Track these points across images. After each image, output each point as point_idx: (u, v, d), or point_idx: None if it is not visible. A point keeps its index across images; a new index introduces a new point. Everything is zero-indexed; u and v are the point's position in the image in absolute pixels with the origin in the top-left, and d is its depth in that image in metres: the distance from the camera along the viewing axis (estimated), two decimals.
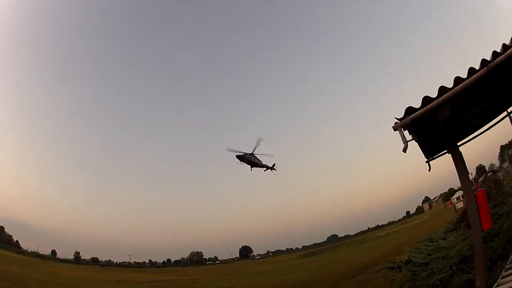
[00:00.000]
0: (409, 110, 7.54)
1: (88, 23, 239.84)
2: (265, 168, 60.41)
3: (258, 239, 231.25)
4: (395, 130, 7.72)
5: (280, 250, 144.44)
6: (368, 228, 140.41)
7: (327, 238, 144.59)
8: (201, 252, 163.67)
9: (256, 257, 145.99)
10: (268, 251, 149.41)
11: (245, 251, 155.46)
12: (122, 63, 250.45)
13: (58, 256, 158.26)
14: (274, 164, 62.06)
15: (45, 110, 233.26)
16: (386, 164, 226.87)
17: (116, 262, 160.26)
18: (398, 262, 21.24)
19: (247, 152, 58.29)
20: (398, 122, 7.63)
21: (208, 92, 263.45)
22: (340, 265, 41.07)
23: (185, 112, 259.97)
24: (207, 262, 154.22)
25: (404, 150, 7.88)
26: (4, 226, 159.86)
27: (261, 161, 59.29)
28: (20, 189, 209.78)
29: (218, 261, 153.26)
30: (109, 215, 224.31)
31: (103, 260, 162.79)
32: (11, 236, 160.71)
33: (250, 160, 57.31)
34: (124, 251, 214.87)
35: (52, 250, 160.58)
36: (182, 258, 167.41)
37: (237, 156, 56.67)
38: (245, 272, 66.53)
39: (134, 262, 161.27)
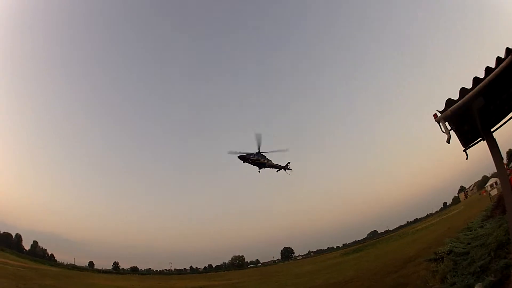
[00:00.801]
0: (449, 102, 8.10)
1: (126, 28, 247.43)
2: (277, 169, 58.43)
3: (299, 240, 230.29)
4: (438, 122, 8.36)
5: (321, 249, 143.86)
6: (407, 222, 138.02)
7: (367, 234, 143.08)
8: (242, 256, 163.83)
9: (298, 258, 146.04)
10: (309, 251, 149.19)
11: (287, 252, 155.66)
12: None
13: (96, 267, 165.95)
14: (288, 163, 59.66)
15: (83, 127, 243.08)
16: (421, 157, 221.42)
17: (156, 270, 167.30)
18: (440, 253, 21.53)
19: (252, 152, 55.57)
20: (439, 114, 8.28)
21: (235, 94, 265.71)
22: (382, 260, 40.69)
23: (216, 116, 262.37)
24: (249, 266, 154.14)
25: (448, 141, 8.53)
26: (38, 241, 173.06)
27: (270, 160, 56.78)
28: (54, 204, 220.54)
29: (260, 264, 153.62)
30: (148, 224, 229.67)
31: (143, 269, 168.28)
32: (45, 249, 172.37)
33: (255, 160, 55.02)
34: (164, 259, 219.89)
35: (89, 262, 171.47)
36: (223, 263, 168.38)
37: (240, 157, 54.69)
38: (289, 273, 65.78)
39: (174, 269, 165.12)
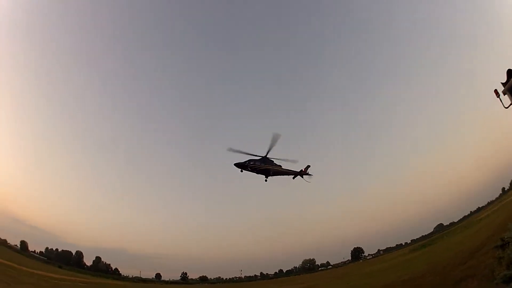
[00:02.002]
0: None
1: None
2: (292, 175, 53.32)
3: (368, 239, 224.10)
4: (504, 94, 8.60)
5: (390, 247, 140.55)
6: (470, 211, 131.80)
7: (434, 228, 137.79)
8: (313, 259, 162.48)
9: (368, 257, 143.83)
10: (378, 250, 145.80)
11: (357, 253, 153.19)
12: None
13: (163, 278, 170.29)
14: (307, 167, 54.40)
15: (139, 139, 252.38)
16: (473, 144, 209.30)
17: (226, 278, 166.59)
18: (505, 239, 21.38)
19: (254, 158, 50.77)
20: (503, 87, 8.44)
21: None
22: (450, 253, 40.50)
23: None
24: (320, 268, 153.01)
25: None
26: (100, 256, 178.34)
27: (280, 166, 51.94)
28: (117, 220, 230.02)
29: (331, 266, 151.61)
30: (215, 234, 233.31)
31: (212, 278, 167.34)
32: (109, 264, 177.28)
33: (257, 167, 50.40)
34: (234, 267, 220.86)
35: (156, 274, 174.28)
36: (294, 267, 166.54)
37: (237, 165, 50.33)
38: (359, 273, 65.77)
39: (245, 276, 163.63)
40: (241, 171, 50.64)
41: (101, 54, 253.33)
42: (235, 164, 50.39)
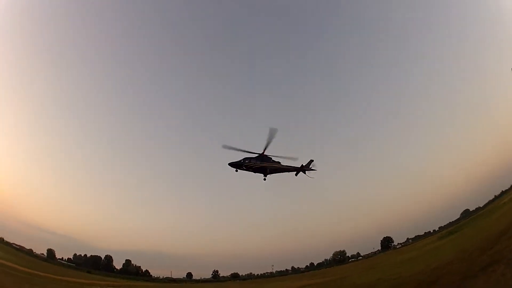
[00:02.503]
0: None
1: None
2: (294, 172, 50.74)
3: (397, 227, 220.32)
4: None
5: (419, 235, 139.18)
6: (494, 196, 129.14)
7: (460, 214, 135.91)
8: (343, 251, 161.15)
9: (397, 247, 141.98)
10: (407, 238, 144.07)
11: (386, 242, 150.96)
12: None
13: (194, 277, 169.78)
14: (310, 162, 51.79)
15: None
16: (495, 127, 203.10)
17: (257, 274, 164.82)
18: None
19: (249, 156, 49.05)
20: None
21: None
22: (477, 239, 40.89)
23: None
24: (350, 260, 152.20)
25: None
26: (130, 259, 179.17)
27: (278, 162, 49.89)
28: (145, 222, 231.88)
29: (361, 257, 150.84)
30: (245, 230, 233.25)
31: (244, 274, 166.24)
32: (139, 266, 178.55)
33: (253, 166, 48.73)
34: (265, 262, 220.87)
35: (187, 273, 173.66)
36: (325, 259, 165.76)
37: (231, 164, 49.03)
38: (389, 263, 65.76)
39: (276, 271, 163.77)
40: (236, 170, 49.16)
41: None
42: (229, 164, 49.18)
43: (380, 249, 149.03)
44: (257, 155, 49.11)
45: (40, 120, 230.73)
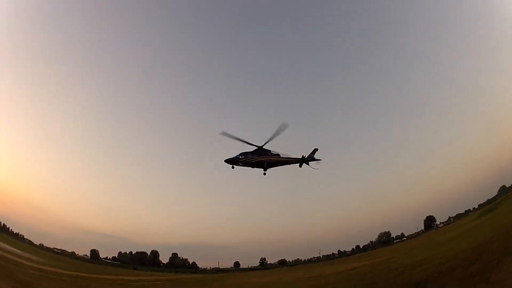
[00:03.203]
0: None
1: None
2: (299, 164, 47.99)
3: (438, 206, 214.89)
4: None
5: (459, 213, 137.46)
6: None
7: (497, 191, 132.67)
8: (388, 232, 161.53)
9: (439, 226, 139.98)
10: (449, 217, 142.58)
11: (429, 222, 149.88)
12: None
13: (242, 266, 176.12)
14: (314, 151, 48.13)
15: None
16: None
17: (305, 260, 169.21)
18: None
19: (247, 151, 47.10)
20: None
21: None
22: None
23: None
24: (395, 241, 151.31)
25: None
26: (177, 252, 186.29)
27: (278, 155, 47.64)
28: (191, 215, 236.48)
29: (405, 238, 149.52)
30: (290, 215, 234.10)
31: (291, 260, 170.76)
32: (186, 259, 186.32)
33: (248, 161, 46.92)
34: (312, 247, 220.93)
35: (234, 262, 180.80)
36: (370, 241, 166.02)
37: (227, 161, 47.58)
38: (433, 243, 65.88)
39: (323, 255, 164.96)
40: (232, 167, 47.88)
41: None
42: (225, 161, 47.81)
43: (423, 228, 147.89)
44: (255, 148, 47.49)
45: (76, 123, 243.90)
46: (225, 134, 45.47)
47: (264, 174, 47.27)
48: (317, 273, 61.80)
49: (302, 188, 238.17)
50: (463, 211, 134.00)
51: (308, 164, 48.21)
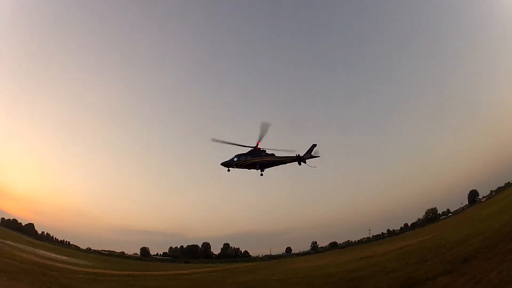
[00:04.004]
0: None
1: None
2: (297, 162, 45.53)
3: (480, 180, 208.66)
4: None
5: (500, 187, 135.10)
6: None
7: None
8: (435, 208, 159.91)
9: (482, 200, 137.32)
10: (491, 191, 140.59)
11: (472, 196, 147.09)
12: None
13: (294, 251, 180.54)
14: (312, 148, 44.99)
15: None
16: None
17: (355, 241, 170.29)
18: None
19: (241, 153, 46.38)
20: None
21: None
22: None
23: None
24: (441, 217, 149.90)
25: None
26: (228, 243, 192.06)
27: (273, 154, 46.04)
28: (241, 205, 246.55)
29: (451, 213, 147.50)
30: (339, 198, 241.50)
31: (342, 243, 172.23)
32: (238, 248, 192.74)
33: (243, 163, 46.05)
34: (361, 228, 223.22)
35: (286, 248, 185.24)
36: (418, 219, 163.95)
37: (223, 164, 47.00)
38: (477, 218, 65.83)
39: (372, 236, 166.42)
40: (228, 170, 46.91)
41: None
42: (221, 164, 47.10)
43: (467, 203, 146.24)
44: (249, 149, 46.06)
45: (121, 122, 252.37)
46: (215, 140, 44.60)
47: (261, 175, 46.16)
48: (368, 254, 61.21)
49: (349, 169, 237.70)
50: (503, 184, 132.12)
51: (305, 163, 45.05)
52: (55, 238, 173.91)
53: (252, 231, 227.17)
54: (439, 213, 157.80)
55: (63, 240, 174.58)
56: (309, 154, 44.35)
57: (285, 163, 45.81)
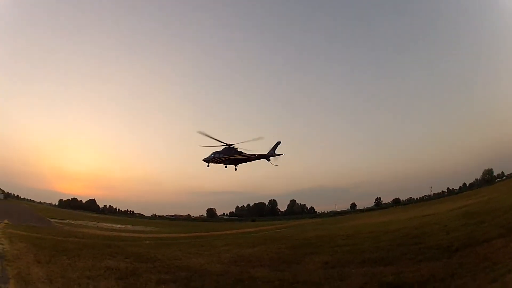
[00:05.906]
0: None
1: None
2: (266, 159, 47.30)
3: None
4: None
5: None
6: None
7: None
8: (491, 169, 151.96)
9: None
10: None
11: None
12: None
13: (358, 207, 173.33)
14: (276, 145, 47.06)
15: None
16: None
17: (417, 198, 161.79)
18: None
19: (218, 150, 48.36)
20: None
21: None
22: None
23: None
24: (496, 180, 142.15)
25: None
26: (295, 199, 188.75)
27: (241, 152, 47.93)
28: (310, 160, 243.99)
29: (505, 177, 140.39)
30: (402, 153, 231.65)
31: (404, 199, 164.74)
32: (304, 205, 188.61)
33: (218, 160, 48.26)
34: (423, 185, 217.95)
35: (351, 204, 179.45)
36: (475, 179, 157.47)
37: (204, 160, 49.39)
38: None
39: (433, 194, 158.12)
40: (208, 165, 49.34)
41: None
42: (203, 160, 49.59)
43: None
44: (224, 147, 48.06)
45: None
46: (201, 133, 45.58)
47: (235, 169, 48.85)
48: (430, 211, 59.13)
49: (411, 125, 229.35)
50: None
51: (268, 160, 46.84)
52: (119, 209, 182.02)
53: (318, 187, 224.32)
54: (495, 175, 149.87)
55: (127, 210, 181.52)
56: (273, 151, 46.29)
57: (251, 161, 48.21)
